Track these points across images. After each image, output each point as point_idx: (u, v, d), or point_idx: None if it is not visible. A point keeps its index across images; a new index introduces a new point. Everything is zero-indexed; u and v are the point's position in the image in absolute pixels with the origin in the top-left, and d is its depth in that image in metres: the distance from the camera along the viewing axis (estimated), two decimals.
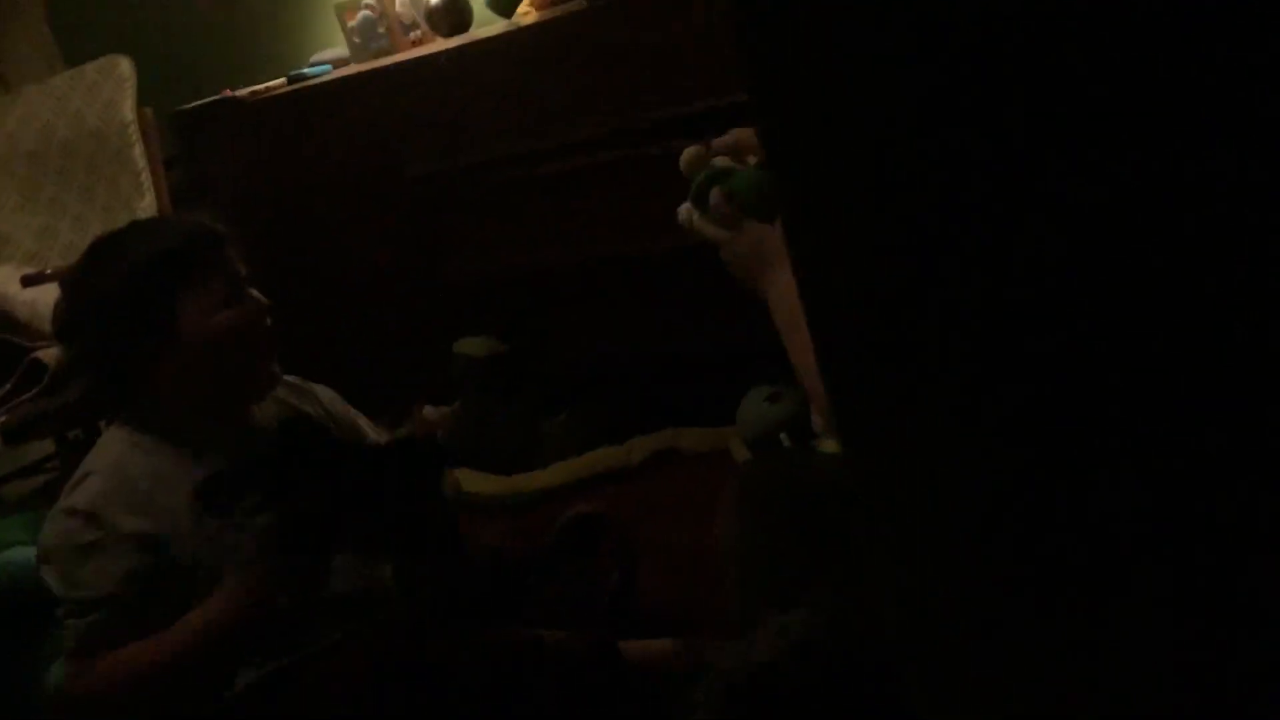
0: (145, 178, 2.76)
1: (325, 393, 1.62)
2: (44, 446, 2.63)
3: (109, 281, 1.39)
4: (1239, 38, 0.40)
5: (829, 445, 1.69)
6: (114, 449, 1.41)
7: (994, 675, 0.55)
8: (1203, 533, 0.47)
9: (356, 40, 2.70)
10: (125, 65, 2.81)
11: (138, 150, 2.77)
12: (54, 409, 2.25)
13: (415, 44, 2.69)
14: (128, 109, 2.79)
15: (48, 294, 2.46)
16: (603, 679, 1.28)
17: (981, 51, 0.45)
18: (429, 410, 2.67)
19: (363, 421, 1.66)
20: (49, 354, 2.35)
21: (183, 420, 1.41)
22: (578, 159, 2.31)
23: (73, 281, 1.46)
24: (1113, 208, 0.44)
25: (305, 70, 2.70)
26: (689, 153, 1.17)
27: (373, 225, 2.61)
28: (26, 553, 1.86)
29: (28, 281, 2.44)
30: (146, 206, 2.73)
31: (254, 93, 2.71)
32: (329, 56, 2.78)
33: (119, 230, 1.52)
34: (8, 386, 2.34)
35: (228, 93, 2.73)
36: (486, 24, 2.58)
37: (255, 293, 1.47)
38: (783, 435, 2.07)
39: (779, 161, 0.55)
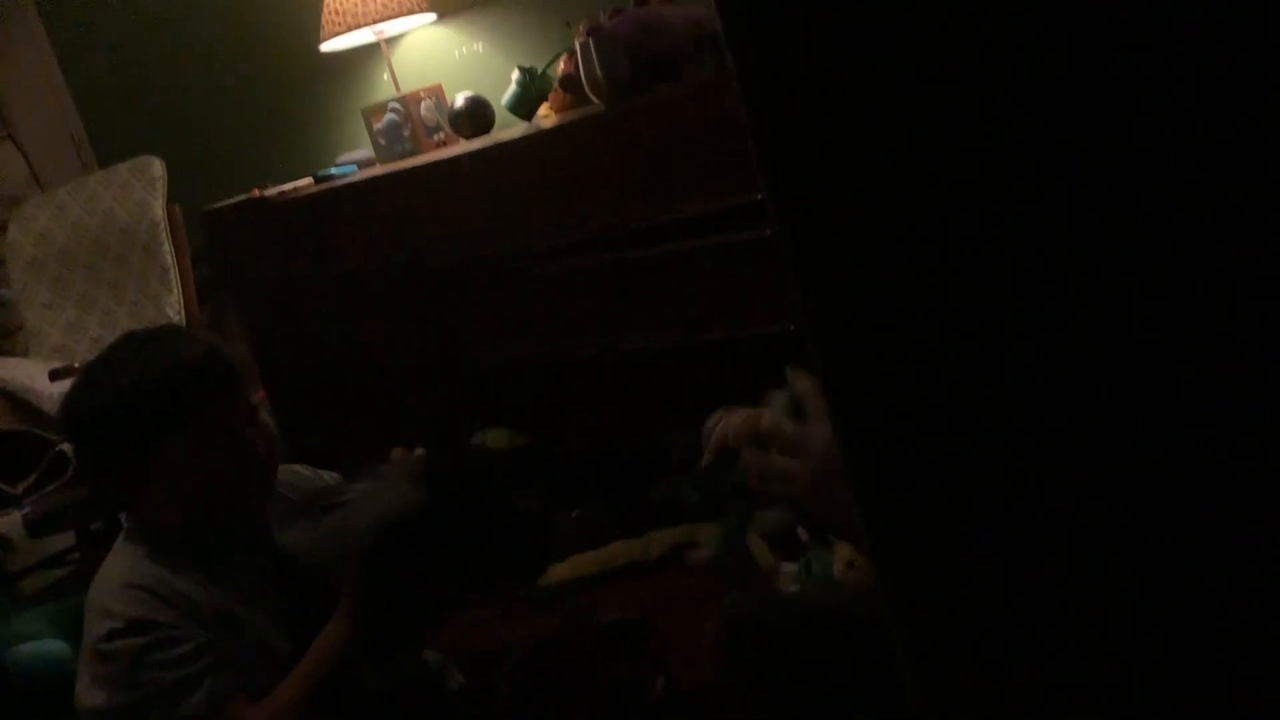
0: (173, 274, 2.82)
1: (334, 481, 1.63)
2: (66, 539, 2.64)
3: (96, 400, 1.38)
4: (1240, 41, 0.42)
5: None
6: (122, 567, 1.40)
7: None
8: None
9: (382, 142, 2.78)
10: (157, 165, 2.90)
11: (166, 247, 2.83)
12: (77, 501, 2.28)
13: (439, 145, 2.77)
14: (158, 208, 2.87)
15: None
16: None
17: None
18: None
19: None
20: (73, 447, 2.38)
21: (178, 540, 1.40)
22: (595, 255, 2.36)
23: (75, 385, 1.45)
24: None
25: (332, 170, 2.77)
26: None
27: (396, 318, 2.66)
28: (49, 645, 1.87)
29: (55, 376, 2.49)
30: (174, 302, 2.78)
31: (281, 192, 2.78)
32: (355, 157, 2.86)
33: (132, 340, 1.49)
34: (32, 479, 2.37)
35: (255, 193, 2.80)
36: (508, 126, 2.66)
37: (260, 425, 1.43)
38: (800, 529, 2.07)
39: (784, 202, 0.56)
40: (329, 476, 1.60)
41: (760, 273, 2.18)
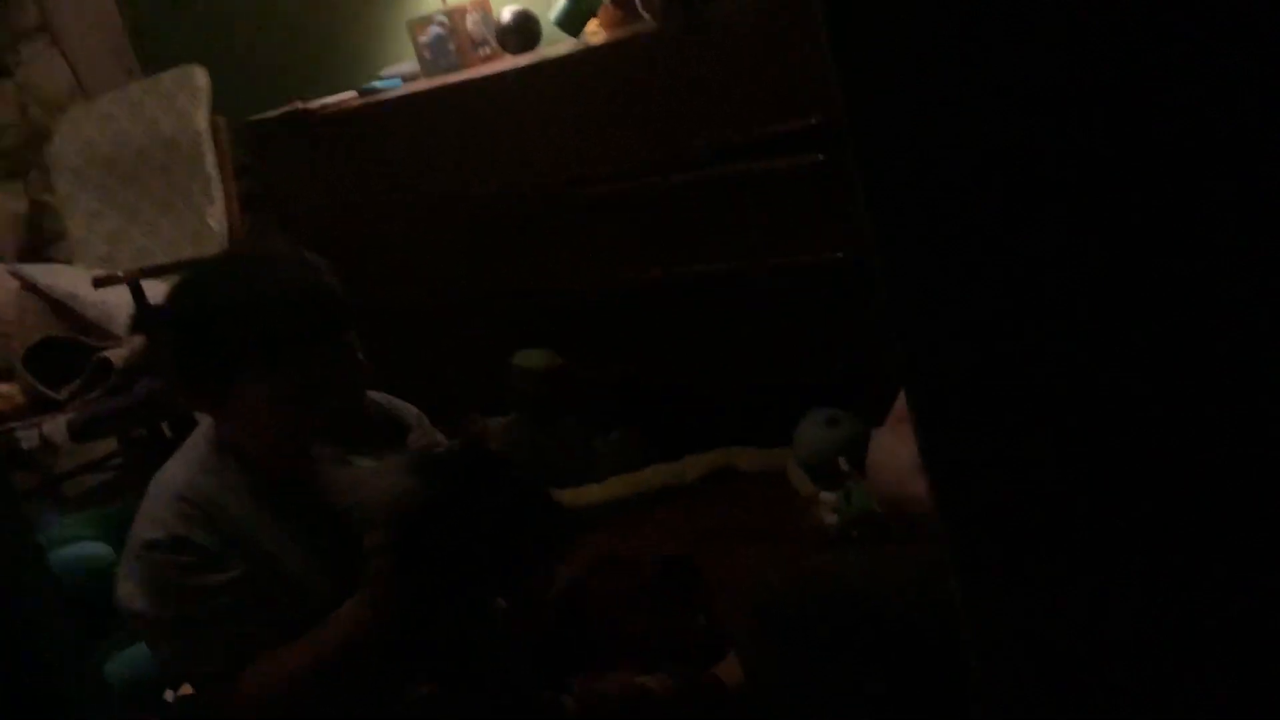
0: (216, 186, 2.81)
1: (411, 412, 1.57)
2: (109, 444, 2.67)
3: (190, 314, 1.34)
4: None
5: None
6: (190, 466, 1.39)
7: None
8: None
9: (427, 55, 2.73)
10: (200, 75, 2.87)
11: (210, 159, 2.82)
12: (120, 408, 2.30)
13: (485, 60, 2.72)
14: (201, 118, 2.85)
15: (117, 295, 2.52)
16: (713, 717, 1.26)
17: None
18: (481, 420, 2.68)
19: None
20: (117, 354, 2.40)
21: (248, 453, 1.38)
22: (642, 180, 2.32)
23: (176, 285, 1.40)
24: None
25: (376, 84, 2.73)
26: None
27: (438, 239, 2.64)
28: (91, 548, 1.89)
29: (99, 283, 2.49)
30: (217, 214, 2.78)
31: (324, 105, 2.75)
32: (400, 71, 2.82)
33: (239, 257, 1.42)
34: (76, 384, 2.39)
35: (298, 104, 2.77)
36: (555, 41, 2.60)
37: (357, 365, 1.35)
38: (841, 459, 2.05)
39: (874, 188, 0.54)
40: (407, 411, 1.57)
41: (811, 200, 2.14)
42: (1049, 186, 0.47)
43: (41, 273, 2.75)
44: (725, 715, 1.25)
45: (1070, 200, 0.47)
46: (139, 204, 2.90)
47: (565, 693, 1.22)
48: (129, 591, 1.31)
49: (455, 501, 1.26)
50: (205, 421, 1.45)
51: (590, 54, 2.40)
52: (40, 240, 3.17)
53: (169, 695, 1.87)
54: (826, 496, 2.04)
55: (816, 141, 2.05)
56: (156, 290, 2.48)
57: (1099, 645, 0.53)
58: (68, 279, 2.70)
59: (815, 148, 2.06)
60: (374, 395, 1.53)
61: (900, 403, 1.15)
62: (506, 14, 2.59)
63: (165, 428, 2.52)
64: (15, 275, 2.72)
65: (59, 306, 2.64)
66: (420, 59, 2.76)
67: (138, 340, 2.41)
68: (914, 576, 1.16)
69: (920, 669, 1.12)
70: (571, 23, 2.51)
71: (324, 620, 1.29)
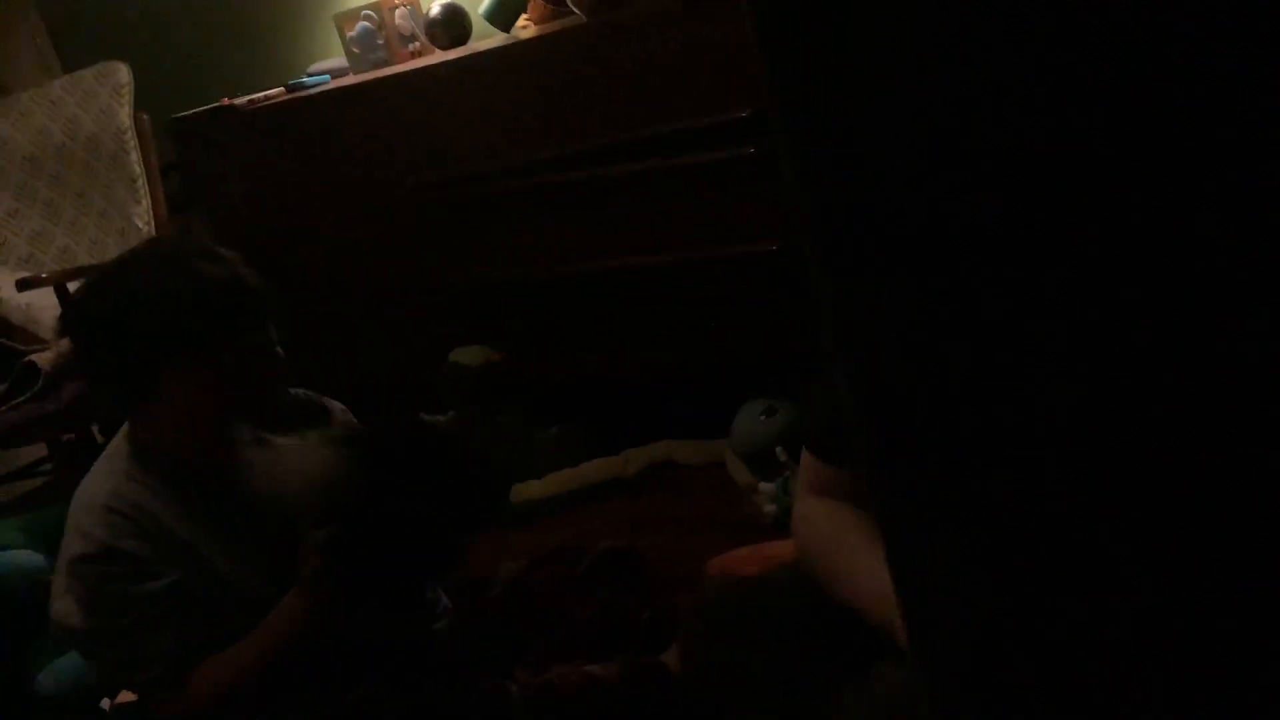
0: (142, 184, 2.76)
1: (338, 409, 1.59)
2: (37, 450, 2.62)
3: (107, 311, 1.32)
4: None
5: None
6: (114, 477, 1.38)
7: None
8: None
9: (355, 51, 2.71)
10: (123, 71, 2.82)
11: (134, 156, 2.77)
12: (48, 412, 2.25)
13: (414, 55, 2.71)
14: (125, 115, 2.80)
15: (42, 298, 2.46)
16: (660, 703, 1.27)
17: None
18: (424, 418, 2.67)
19: None
20: (43, 358, 2.35)
21: (174, 458, 1.37)
22: (575, 171, 2.33)
23: (92, 284, 1.39)
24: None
25: (304, 79, 2.70)
26: None
27: (370, 234, 2.62)
28: (21, 556, 1.85)
29: (22, 286, 2.43)
30: (142, 213, 2.73)
31: (252, 101, 2.71)
32: (328, 66, 2.79)
33: (152, 248, 1.42)
34: (2, 389, 2.33)
35: (226, 101, 2.73)
36: (485, 37, 2.59)
37: (275, 359, 1.36)
38: (778, 449, 2.08)
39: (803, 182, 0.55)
40: (334, 406, 1.57)
41: (743, 191, 2.16)
42: (991, 176, 0.48)
43: None
44: (671, 701, 1.26)
45: (1014, 191, 0.47)
46: (61, 204, 2.83)
47: (511, 681, 1.23)
48: (65, 609, 1.30)
49: (386, 481, 1.26)
50: (120, 432, 1.44)
51: (521, 47, 2.39)
52: None
53: (105, 703, 1.84)
54: (765, 486, 2.06)
55: (747, 134, 2.07)
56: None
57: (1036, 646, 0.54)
58: None
59: (746, 140, 2.08)
60: (296, 391, 1.53)
61: (808, 471, 1.16)
62: (435, 8, 2.58)
63: (95, 432, 2.48)
64: None
65: None
66: (348, 54, 2.74)
67: (64, 343, 2.35)
68: None
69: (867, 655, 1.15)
70: (501, 17, 2.51)
71: (264, 619, 1.29)
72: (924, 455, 0.53)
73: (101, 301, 1.34)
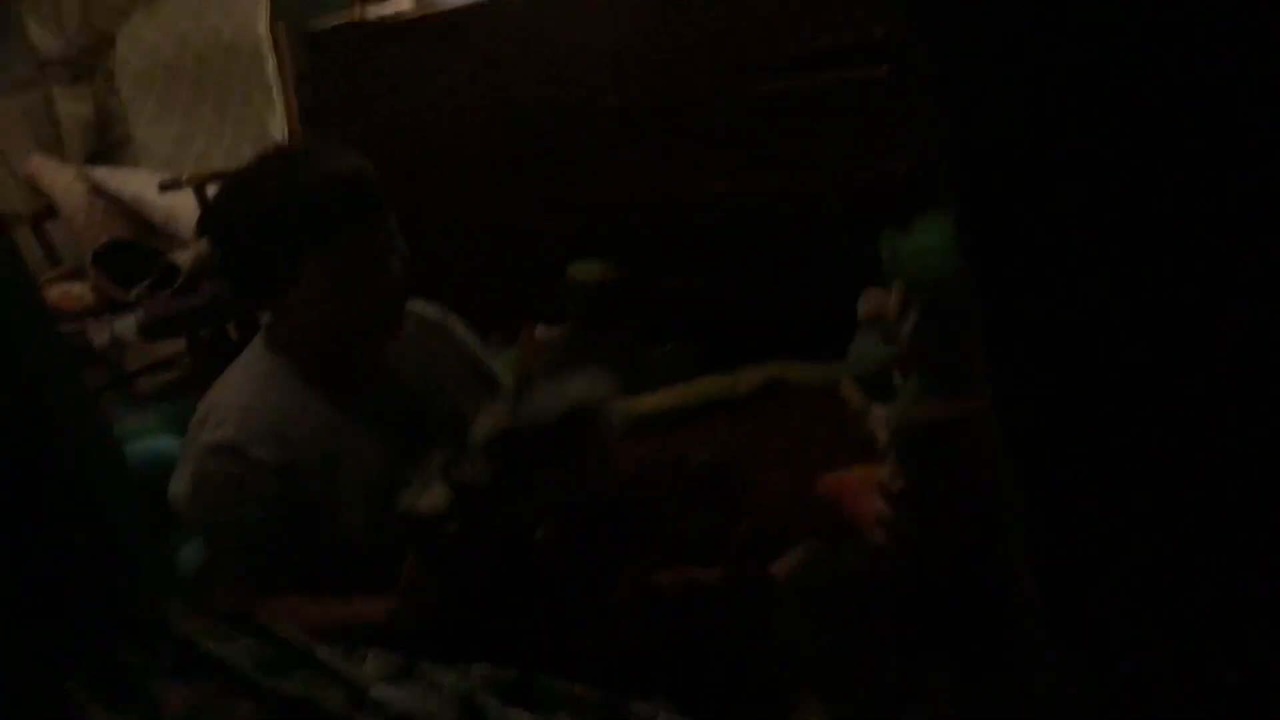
0: (276, 94, 2.83)
1: (458, 327, 1.61)
2: (177, 343, 2.74)
3: (244, 210, 1.37)
4: None
5: None
6: (251, 378, 1.42)
7: None
8: None
9: None
10: None
11: (270, 66, 2.83)
12: (187, 309, 2.35)
13: None
14: (262, 24, 2.86)
15: (182, 199, 2.56)
16: (761, 613, 1.28)
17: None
18: (540, 330, 2.71)
19: (487, 355, 1.66)
20: (183, 257, 2.45)
21: (310, 351, 1.41)
22: (702, 95, 2.30)
23: (228, 186, 1.44)
24: None
25: None
26: None
27: (494, 151, 2.64)
28: (161, 442, 1.96)
29: (164, 187, 2.53)
30: (277, 121, 2.80)
31: (381, 16, 2.74)
32: None
33: (280, 151, 1.46)
34: (144, 286, 2.44)
35: (356, 10, 2.76)
36: None
37: (400, 252, 1.39)
38: (896, 374, 2.05)
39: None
40: (453, 322, 1.60)
41: (869, 116, 2.11)
42: (1145, 120, 0.46)
43: (109, 176, 2.80)
44: (776, 610, 1.27)
45: (1172, 136, 0.45)
46: (201, 109, 2.92)
47: (613, 589, 1.25)
48: (179, 489, 1.37)
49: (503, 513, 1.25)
50: (258, 336, 1.48)
51: None
52: (107, 144, 3.22)
53: None
54: (879, 410, 2.05)
55: (880, 54, 2.02)
56: None
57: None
58: (134, 183, 2.74)
59: (879, 60, 2.03)
60: (418, 303, 1.56)
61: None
62: None
63: (231, 329, 2.58)
64: (84, 178, 2.77)
65: (126, 209, 2.69)
66: None
67: (203, 243, 2.45)
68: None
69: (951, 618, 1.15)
70: None
71: (349, 599, 1.30)
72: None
73: (235, 200, 1.40)
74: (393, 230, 1.39)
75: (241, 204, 1.38)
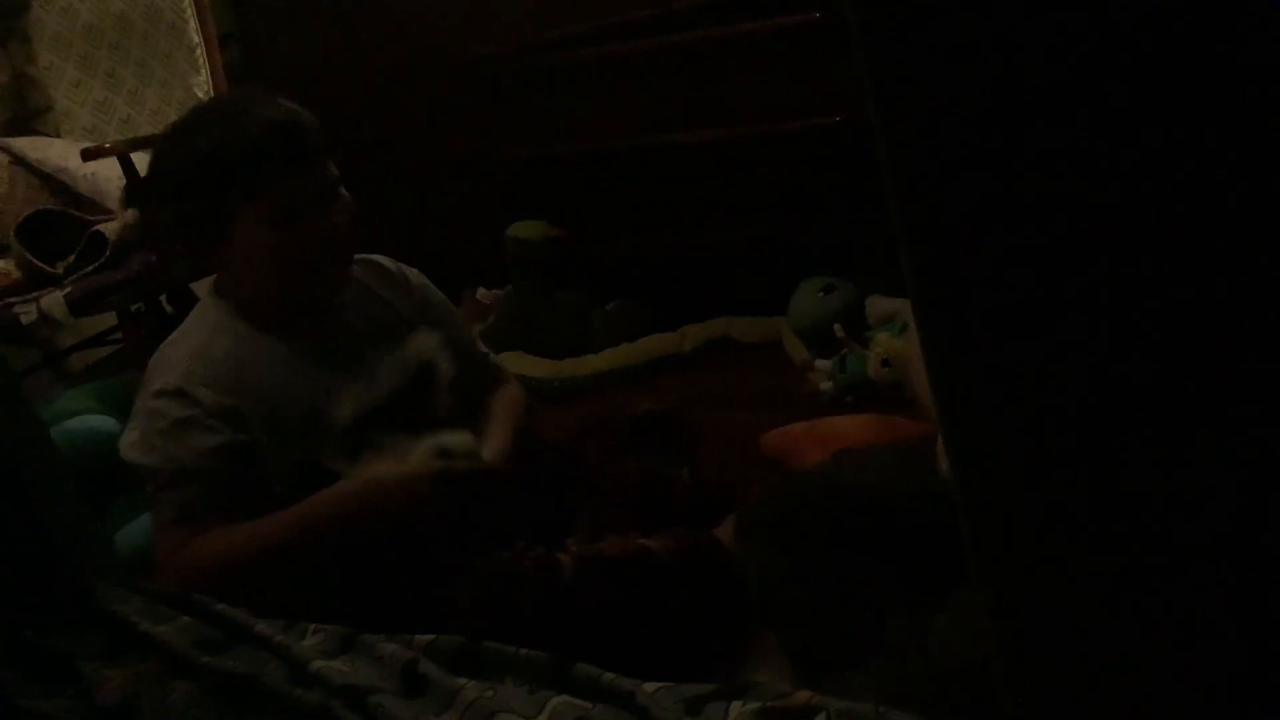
0: (200, 53, 2.75)
1: (416, 277, 1.60)
2: (108, 318, 2.67)
3: (176, 164, 1.37)
4: None
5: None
6: (201, 328, 1.42)
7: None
8: None
9: None
10: None
11: (192, 25, 2.75)
12: (117, 282, 2.29)
13: None
14: None
15: (107, 168, 2.49)
16: (714, 576, 1.29)
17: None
18: (482, 293, 2.68)
19: (450, 308, 1.65)
20: (110, 227, 2.38)
21: (257, 299, 1.41)
22: (634, 41, 2.27)
23: (157, 148, 1.43)
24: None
25: None
26: None
27: (429, 106, 2.60)
28: (95, 420, 1.91)
29: (87, 155, 2.45)
30: (202, 82, 2.73)
31: None
32: None
33: (213, 103, 1.45)
34: (71, 259, 2.38)
35: None
36: None
37: (342, 200, 1.39)
38: (836, 326, 2.06)
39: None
40: (410, 272, 1.59)
41: (807, 61, 2.10)
42: (1087, 61, 0.45)
43: (30, 146, 2.71)
44: (722, 577, 1.28)
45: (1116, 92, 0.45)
46: (122, 73, 2.84)
47: (563, 552, 1.25)
48: (128, 439, 1.35)
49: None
50: (205, 294, 1.46)
51: None
52: (26, 112, 3.11)
53: None
54: (822, 364, 2.06)
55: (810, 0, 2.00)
56: (144, 162, 2.45)
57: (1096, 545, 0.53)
58: (57, 152, 2.66)
59: (811, 5, 2.01)
60: (373, 256, 1.55)
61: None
62: None
63: (164, 301, 2.52)
64: (4, 149, 2.68)
65: (50, 180, 2.61)
66: None
67: (130, 213, 2.39)
68: (907, 466, 1.20)
69: (915, 550, 1.15)
70: None
71: (311, 498, 1.30)
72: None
73: (170, 154, 1.39)
74: (331, 178, 1.39)
75: (175, 155, 1.38)
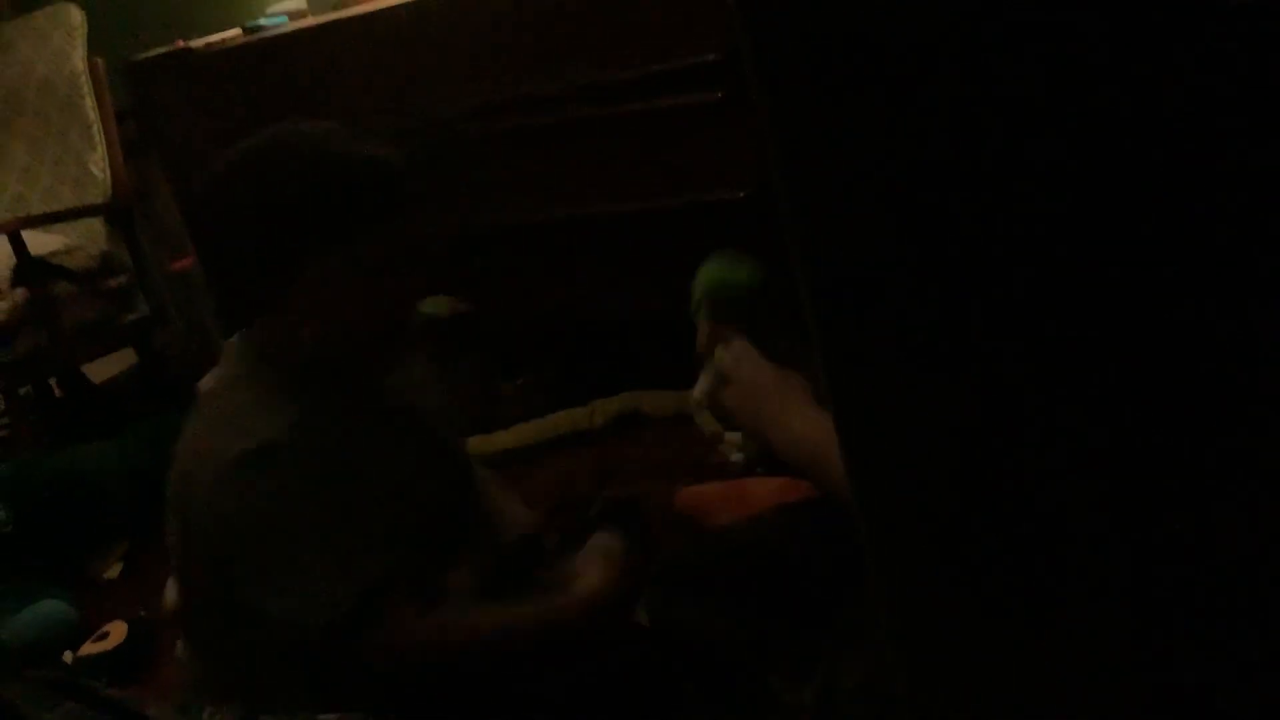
0: (96, 130, 2.70)
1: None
2: None
3: (249, 194, 1.17)
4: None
5: None
6: (247, 399, 1.19)
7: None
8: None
9: None
10: (75, 13, 2.74)
11: (89, 102, 2.71)
12: (4, 364, 2.21)
13: None
14: (78, 59, 2.73)
15: None
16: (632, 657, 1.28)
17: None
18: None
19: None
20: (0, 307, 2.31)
21: (310, 366, 1.19)
22: (542, 116, 2.29)
23: (222, 168, 1.21)
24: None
25: (262, 21, 2.64)
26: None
27: None
28: (45, 607, 1.87)
29: None
30: (98, 160, 2.67)
31: (209, 44, 2.65)
32: (286, 8, 2.73)
33: (291, 131, 1.23)
34: None
35: (181, 44, 2.66)
36: None
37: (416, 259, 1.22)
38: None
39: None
40: None
41: (712, 137, 2.13)
42: (975, 126, 0.46)
43: None
44: (642, 655, 1.28)
45: (1001, 145, 0.46)
46: (14, 150, 2.77)
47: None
48: (225, 512, 1.11)
49: None
50: (228, 359, 1.25)
51: None
52: None
53: (67, 656, 1.83)
54: (731, 436, 2.06)
55: (717, 78, 2.04)
56: (36, 241, 2.39)
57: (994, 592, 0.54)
58: None
59: (714, 85, 2.05)
60: None
61: None
62: None
63: (53, 385, 2.44)
64: None
65: None
66: None
67: (19, 293, 2.32)
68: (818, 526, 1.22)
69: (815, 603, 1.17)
70: None
71: (526, 594, 1.25)
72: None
73: (238, 183, 1.19)
74: (411, 228, 1.23)
75: (247, 184, 1.18)
